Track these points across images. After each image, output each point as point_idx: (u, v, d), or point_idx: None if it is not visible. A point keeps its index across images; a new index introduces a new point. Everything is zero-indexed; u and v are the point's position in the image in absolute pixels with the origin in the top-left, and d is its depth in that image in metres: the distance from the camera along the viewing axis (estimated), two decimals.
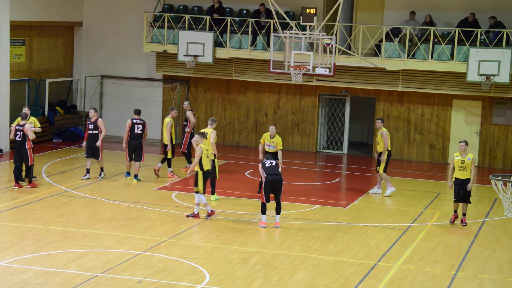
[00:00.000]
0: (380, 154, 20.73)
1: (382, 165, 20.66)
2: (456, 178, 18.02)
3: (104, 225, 17.11)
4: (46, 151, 25.21)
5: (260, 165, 17.49)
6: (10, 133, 20.34)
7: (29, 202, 18.67)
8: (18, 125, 19.80)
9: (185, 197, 19.91)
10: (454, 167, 18.01)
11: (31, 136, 19.74)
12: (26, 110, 20.51)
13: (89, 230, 16.54)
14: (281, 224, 17.48)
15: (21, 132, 19.67)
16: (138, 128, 21.43)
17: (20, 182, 19.86)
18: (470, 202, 18.27)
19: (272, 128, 20.55)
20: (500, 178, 17.10)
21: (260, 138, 21.01)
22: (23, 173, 20.09)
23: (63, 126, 27.91)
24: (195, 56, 26.05)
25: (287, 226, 17.50)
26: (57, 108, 28.10)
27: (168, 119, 22.12)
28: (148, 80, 28.69)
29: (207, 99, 28.29)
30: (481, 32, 24.58)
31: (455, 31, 24.73)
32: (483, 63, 23.77)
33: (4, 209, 18.11)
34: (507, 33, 24.35)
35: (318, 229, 17.49)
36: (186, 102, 23.46)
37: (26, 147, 19.62)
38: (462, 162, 17.87)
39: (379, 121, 21.04)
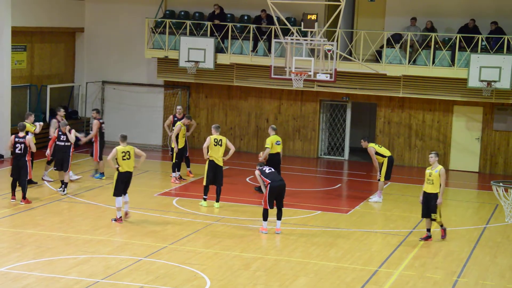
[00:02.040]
0: (381, 165, 20.75)
1: (382, 174, 20.67)
2: (423, 192, 17.16)
3: (105, 231, 17.10)
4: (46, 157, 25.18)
5: (258, 172, 17.38)
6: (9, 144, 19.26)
7: (29, 208, 18.66)
8: (17, 137, 18.99)
9: (186, 203, 19.90)
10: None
11: (34, 148, 19.15)
12: (30, 117, 20.60)
13: (90, 236, 16.53)
14: (282, 230, 17.47)
15: (22, 145, 18.92)
16: (103, 128, 22.62)
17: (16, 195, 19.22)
18: (433, 219, 17.02)
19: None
20: (501, 184, 17.11)
21: (262, 143, 21.19)
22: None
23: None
24: (196, 62, 26.08)
25: (288, 232, 17.48)
26: None
27: (178, 123, 22.21)
28: (150, 86, 28.71)
29: (208, 105, 28.31)
30: (482, 38, 24.59)
31: (456, 37, 24.76)
32: (484, 69, 23.78)
33: (5, 215, 18.10)
34: (508, 39, 24.37)
35: (319, 235, 17.48)
36: (180, 107, 23.42)
37: (26, 159, 18.99)
38: (430, 175, 17.01)
39: (362, 140, 20.95)
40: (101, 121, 22.38)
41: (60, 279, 13.66)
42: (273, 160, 20.60)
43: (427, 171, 17.18)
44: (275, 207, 17.28)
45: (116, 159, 17.67)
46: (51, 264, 14.47)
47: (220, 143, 19.28)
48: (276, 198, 17.19)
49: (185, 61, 26.13)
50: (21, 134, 19.09)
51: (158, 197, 20.59)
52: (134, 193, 20.85)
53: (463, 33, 24.90)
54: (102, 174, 22.32)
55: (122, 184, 17.68)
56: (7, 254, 14.97)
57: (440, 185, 16.97)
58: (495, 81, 23.73)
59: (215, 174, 19.34)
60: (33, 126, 20.72)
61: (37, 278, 13.67)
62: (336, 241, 16.96)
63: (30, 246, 15.59)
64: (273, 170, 17.46)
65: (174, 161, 22.26)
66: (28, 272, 13.97)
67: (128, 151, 17.70)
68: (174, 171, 22.29)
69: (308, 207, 20.05)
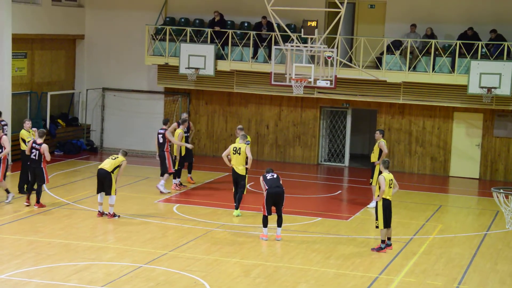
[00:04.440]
0: (373, 168, 20.69)
1: (375, 177, 20.63)
2: None
3: (106, 237, 17.09)
4: (48, 164, 25.12)
5: (261, 177, 17.47)
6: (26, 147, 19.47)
7: (30, 215, 18.66)
8: (34, 142, 19.09)
9: (186, 209, 19.89)
10: None
11: (48, 157, 19.09)
12: (25, 124, 20.30)
13: (90, 242, 16.52)
14: (283, 236, 17.45)
15: (37, 151, 18.98)
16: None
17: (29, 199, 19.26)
18: (376, 226, 16.72)
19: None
20: (502, 190, 17.08)
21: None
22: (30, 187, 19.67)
23: (64, 139, 27.93)
24: (197, 69, 26.10)
25: (288, 239, 17.47)
26: (59, 120, 28.13)
27: (179, 130, 22.17)
28: (150, 92, 28.72)
29: (209, 111, 28.31)
30: (482, 45, 24.61)
31: (456, 44, 24.77)
32: (484, 76, 23.79)
33: (5, 221, 18.09)
34: (508, 45, 24.38)
35: (320, 241, 17.46)
36: (186, 114, 23.59)
37: (42, 166, 19.05)
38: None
39: (378, 131, 20.90)
40: (3, 123, 20.63)
41: (60, 286, 13.64)
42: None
43: None
44: (275, 214, 17.29)
45: None
46: (51, 271, 14.45)
47: (238, 152, 19.24)
48: (274, 204, 17.19)
49: (185, 68, 26.14)
50: (39, 140, 19.13)
51: (158, 203, 20.58)
52: (134, 199, 20.87)
53: (463, 40, 24.92)
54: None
55: (98, 182, 18.66)
56: (7, 261, 14.96)
57: (380, 190, 16.62)
58: (495, 88, 23.73)
59: (236, 182, 19.37)
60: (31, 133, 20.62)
61: (37, 285, 13.66)
62: (336, 248, 16.94)
63: (30, 253, 15.58)
64: (274, 176, 17.41)
65: (175, 168, 22.20)
66: (28, 279, 13.96)
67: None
68: (174, 178, 22.27)
69: (308, 214, 20.04)
